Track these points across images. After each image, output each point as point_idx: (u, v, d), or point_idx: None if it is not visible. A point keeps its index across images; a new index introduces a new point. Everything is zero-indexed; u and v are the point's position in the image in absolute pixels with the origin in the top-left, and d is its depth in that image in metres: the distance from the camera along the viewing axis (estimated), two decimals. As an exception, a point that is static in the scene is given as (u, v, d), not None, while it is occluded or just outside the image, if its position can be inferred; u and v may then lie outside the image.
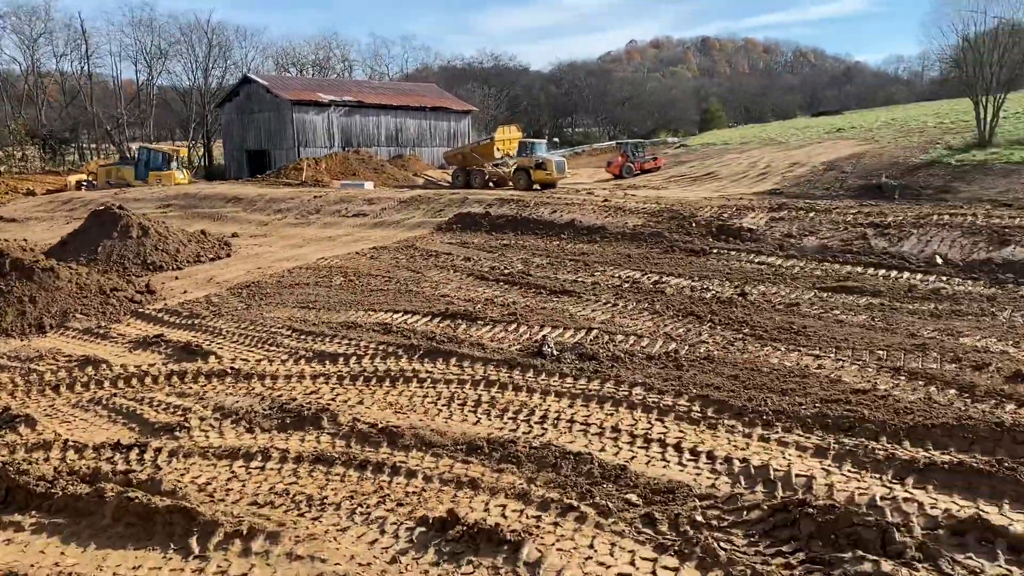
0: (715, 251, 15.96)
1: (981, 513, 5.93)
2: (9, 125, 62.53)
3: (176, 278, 16.27)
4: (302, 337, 11.67)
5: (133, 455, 7.82)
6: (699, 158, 42.21)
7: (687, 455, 7.44)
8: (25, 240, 18.26)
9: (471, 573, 5.45)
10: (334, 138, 62.34)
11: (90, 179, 44.26)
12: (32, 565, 5.76)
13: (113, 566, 5.73)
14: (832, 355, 9.87)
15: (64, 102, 70.63)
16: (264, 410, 8.92)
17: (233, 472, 7.40)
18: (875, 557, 5.28)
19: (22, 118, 64.57)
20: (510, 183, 35.56)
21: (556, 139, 55.58)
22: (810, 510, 5.82)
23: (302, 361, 10.64)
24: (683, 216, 18.33)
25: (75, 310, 13.34)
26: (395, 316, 12.45)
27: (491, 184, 36.87)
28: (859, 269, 14.03)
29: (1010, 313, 11.13)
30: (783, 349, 10.22)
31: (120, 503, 6.32)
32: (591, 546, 5.74)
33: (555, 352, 10.28)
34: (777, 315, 11.70)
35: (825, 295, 12.68)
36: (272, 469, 7.46)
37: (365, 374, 10.02)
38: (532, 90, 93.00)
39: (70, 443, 8.14)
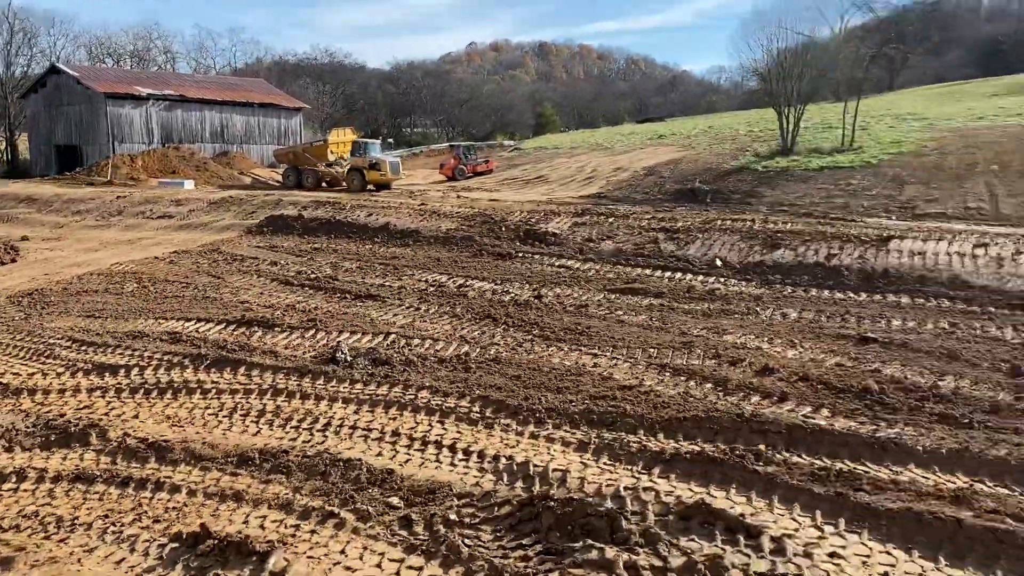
0: (520, 255, 16.51)
1: (706, 498, 6.53)
2: None
3: (-53, 289, 14.99)
4: (82, 348, 11.09)
5: None
6: (532, 162, 43.28)
7: (459, 455, 7.71)
8: None
9: (216, 586, 5.44)
10: (153, 133, 59.02)
11: None
12: None
13: None
14: (608, 354, 10.49)
15: None
16: (27, 427, 8.45)
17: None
18: (602, 545, 5.72)
19: None
20: (344, 183, 35.15)
21: (391, 140, 55.40)
22: (551, 503, 6.21)
23: (79, 374, 10.13)
24: (494, 220, 18.81)
25: None
26: (187, 324, 12.06)
27: (324, 184, 36.30)
28: (647, 272, 14.94)
29: (771, 312, 12.22)
30: (566, 349, 10.76)
31: None
32: (343, 551, 5.87)
33: (348, 358, 10.33)
34: (567, 316, 12.28)
35: (613, 296, 13.43)
36: (26, 490, 7.11)
37: (146, 386, 9.68)
38: (369, 89, 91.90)
39: None
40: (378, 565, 5.69)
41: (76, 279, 15.00)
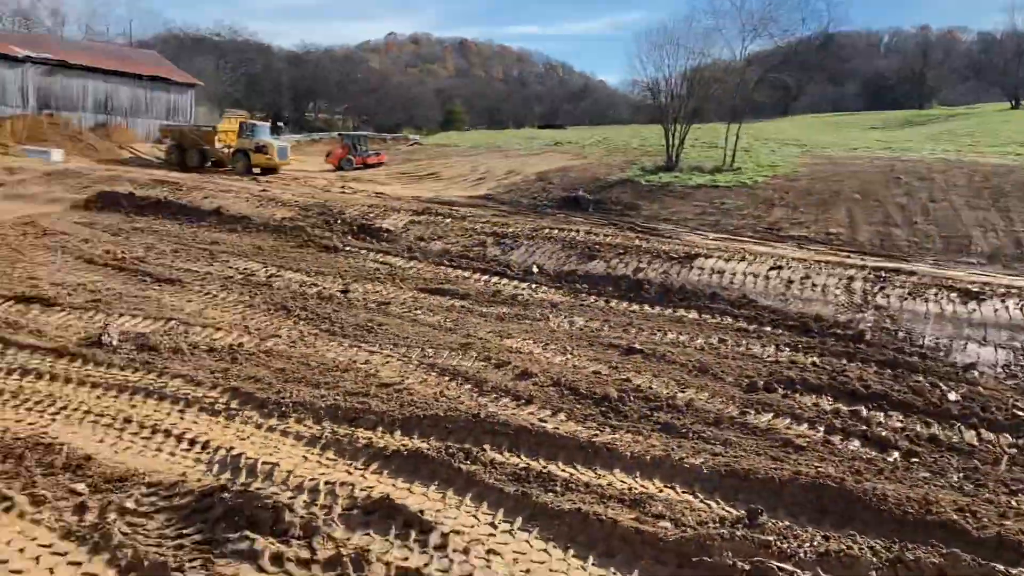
0: (348, 249, 16.48)
1: (392, 494, 6.72)
2: None
3: None
4: None
5: None
6: (428, 157, 43.13)
7: (183, 445, 7.68)
8: None
9: None
10: (28, 98, 56.18)
11: None
12: None
13: None
14: (386, 352, 10.60)
15: None
16: None
17: None
18: (256, 536, 5.81)
19: None
20: (229, 165, 34.32)
21: (282, 123, 54.18)
22: (225, 495, 6.27)
23: None
24: (331, 212, 18.71)
25: None
26: (-46, 300, 11.59)
27: (209, 164, 35.31)
28: (465, 274, 15.12)
29: (561, 319, 12.57)
30: (346, 345, 10.83)
31: None
32: (-4, 537, 5.77)
33: (115, 342, 10.13)
34: (364, 313, 12.35)
35: (420, 296, 13.56)
36: None
37: None
38: (273, 70, 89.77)
39: None
40: (21, 549, 5.62)
41: None
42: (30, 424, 7.85)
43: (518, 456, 7.74)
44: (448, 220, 18.49)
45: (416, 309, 12.79)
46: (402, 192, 25.66)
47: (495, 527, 6.50)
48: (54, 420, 8.04)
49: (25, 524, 5.96)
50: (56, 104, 53.50)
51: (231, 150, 35.21)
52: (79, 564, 5.53)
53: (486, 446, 7.84)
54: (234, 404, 8.66)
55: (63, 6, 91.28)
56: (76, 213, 18.47)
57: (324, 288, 13.65)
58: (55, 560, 5.55)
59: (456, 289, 13.98)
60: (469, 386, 9.57)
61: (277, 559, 5.66)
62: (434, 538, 6.16)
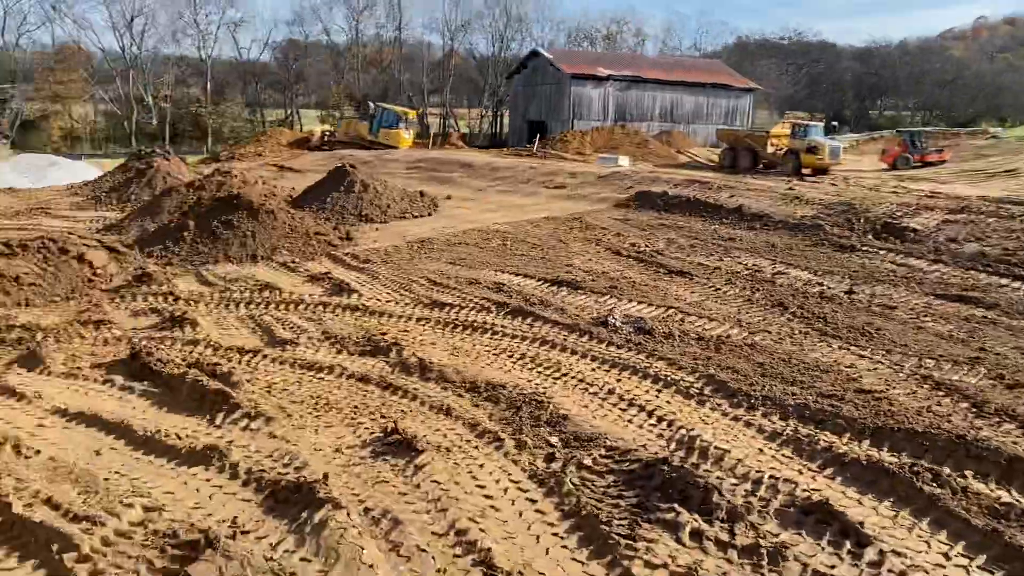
0: (864, 248, 15.40)
1: (831, 499, 6.32)
2: (332, 88, 72.88)
3: (376, 229, 19.21)
4: (431, 287, 13.67)
5: (247, 357, 10.29)
6: (1007, 153, 38.06)
7: (651, 420, 8.29)
8: (279, 188, 22.40)
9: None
10: (608, 111, 64.29)
11: (332, 130, 51.75)
12: (128, 415, 8.31)
13: (169, 424, 8.07)
14: (876, 358, 9.82)
15: (378, 69, 79.59)
16: (357, 338, 10.99)
17: (299, 378, 9.54)
18: (683, 510, 6.05)
19: (343, 82, 74.61)
20: (779, 167, 34.87)
21: (836, 123, 52.59)
22: (664, 468, 6.62)
23: (419, 306, 12.64)
24: (856, 211, 17.63)
25: (282, 247, 16.57)
26: (513, 278, 14.04)
27: (761, 166, 36.26)
28: (1003, 281, 12.96)
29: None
30: (835, 347, 10.31)
31: (191, 384, 8.73)
32: (482, 465, 7.03)
33: (618, 323, 11.27)
34: (864, 316, 11.54)
35: (936, 302, 12.08)
36: (328, 380, 9.48)
37: (455, 322, 11.76)
38: (836, 69, 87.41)
39: (212, 342, 10.84)
40: (497, 480, 6.75)
41: (461, 233, 18.09)
42: (534, 384, 9.25)
43: (1006, 490, 6.59)
44: (992, 220, 16.07)
45: (925, 316, 11.52)
46: (966, 191, 22.77)
47: (947, 559, 5.72)
48: (554, 383, 9.34)
49: (506, 462, 7.13)
50: (629, 115, 60.33)
51: (783, 151, 35.38)
52: (534, 502, 6.44)
53: (967, 472, 6.84)
54: (707, 390, 8.98)
55: (645, 27, 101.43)
56: (616, 211, 20.81)
57: (828, 287, 13.13)
58: (517, 494, 6.56)
59: (983, 297, 12.17)
60: (966, 405, 8.37)
61: (696, 535, 5.84)
62: (870, 553, 5.69)
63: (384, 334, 11.14)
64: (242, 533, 5.60)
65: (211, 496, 6.33)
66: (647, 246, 16.42)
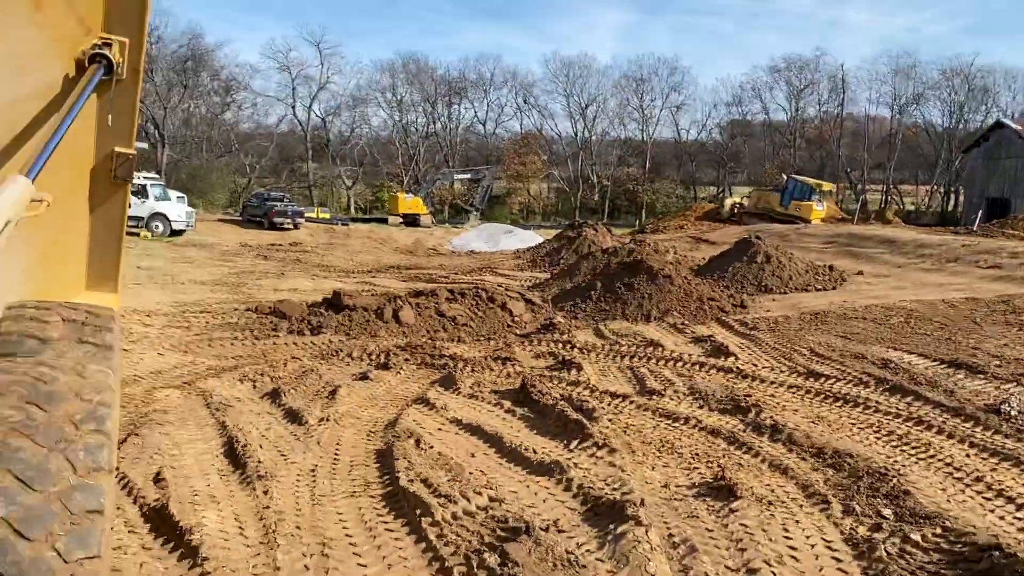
0: None
1: None
2: (764, 166, 73.06)
3: (773, 300, 19.21)
4: (812, 357, 13.49)
5: (616, 400, 11.35)
6: None
7: (1016, 512, 7.44)
8: (687, 257, 23.57)
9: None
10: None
11: (742, 202, 50.79)
12: (503, 431, 9.84)
13: (532, 442, 9.38)
14: None
15: (817, 145, 77.79)
16: (720, 397, 11.41)
17: (655, 424, 10.30)
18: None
19: (778, 158, 74.41)
20: None
21: None
22: (995, 553, 5.99)
23: (793, 375, 12.62)
24: None
25: (675, 309, 17.56)
26: (905, 356, 13.14)
27: None
28: None
29: None
30: None
31: (558, 413, 10.01)
32: (797, 521, 7.03)
33: (1014, 412, 10.08)
34: None
35: None
36: (680, 428, 10.09)
37: (825, 392, 11.54)
38: None
39: (590, 385, 12.12)
40: (807, 536, 6.72)
41: (862, 308, 17.26)
42: (890, 459, 8.78)
43: None
44: None
45: None
46: None
47: None
48: (914, 463, 8.76)
49: (825, 522, 7.02)
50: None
51: None
52: (839, 561, 6.31)
53: None
54: (1103, 494, 7.71)
55: None
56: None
57: None
58: (823, 551, 6.45)
59: None
60: None
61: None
62: None
63: (748, 396, 11.38)
64: (557, 531, 6.49)
65: (544, 500, 7.35)
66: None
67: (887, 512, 7.23)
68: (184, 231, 40.67)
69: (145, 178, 41.05)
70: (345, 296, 17.23)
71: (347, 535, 6.43)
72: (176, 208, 41.19)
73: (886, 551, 6.33)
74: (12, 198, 3.43)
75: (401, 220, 59.13)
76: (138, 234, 37.02)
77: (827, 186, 53.16)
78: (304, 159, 75.39)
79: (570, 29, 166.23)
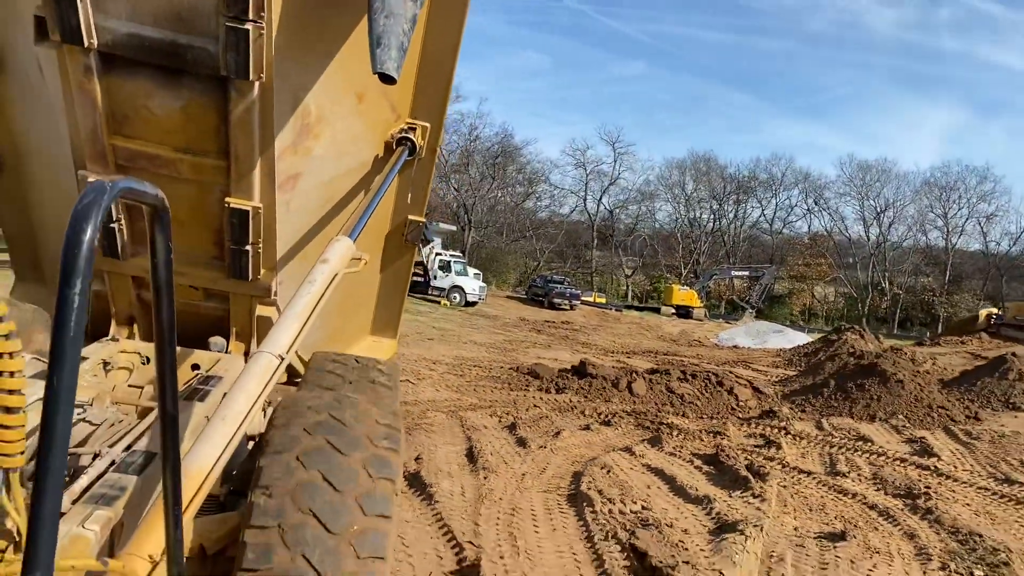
0: None
1: None
2: None
3: (1015, 417, 18.84)
4: (1019, 467, 13.85)
5: (800, 475, 12.88)
6: None
7: None
8: (940, 367, 23.53)
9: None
10: None
11: (1000, 313, 46.19)
12: (683, 478, 11.91)
13: (704, 490, 11.36)
14: None
15: None
16: (899, 484, 12.47)
17: (822, 493, 11.75)
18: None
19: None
20: None
21: None
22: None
23: (990, 479, 13.19)
24: None
25: (901, 412, 18.16)
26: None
27: None
28: None
29: None
30: None
31: (735, 470, 11.87)
32: (891, 565, 8.43)
33: None
34: None
35: None
36: (837, 498, 11.47)
37: (1009, 495, 12.15)
38: None
39: (783, 461, 13.66)
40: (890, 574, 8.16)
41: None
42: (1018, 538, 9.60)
43: None
44: None
45: None
46: None
47: None
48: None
49: (917, 570, 8.38)
50: None
51: None
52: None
53: None
54: None
55: None
56: None
57: None
58: (902, 589, 7.91)
59: None
60: None
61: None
62: None
63: (928, 488, 12.32)
64: (683, 532, 8.60)
65: (686, 518, 9.43)
66: None
67: (978, 573, 8.40)
68: (476, 303, 46.42)
69: (451, 256, 47.71)
70: (589, 365, 20.07)
71: (531, 509, 9.06)
72: (472, 283, 47.26)
73: (953, 594, 7.66)
74: (340, 255, 4.02)
75: (674, 311, 61.35)
76: (439, 302, 43.10)
77: None
78: (589, 247, 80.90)
79: (887, 130, 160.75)
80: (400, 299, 6.64)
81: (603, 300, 63.13)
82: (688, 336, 47.52)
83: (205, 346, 5.20)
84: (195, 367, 4.90)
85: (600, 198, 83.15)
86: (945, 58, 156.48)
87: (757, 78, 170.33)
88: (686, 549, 7.90)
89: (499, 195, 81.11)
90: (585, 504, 9.26)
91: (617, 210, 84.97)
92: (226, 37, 3.47)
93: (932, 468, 13.63)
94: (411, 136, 4.93)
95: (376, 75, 3.62)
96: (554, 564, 7.45)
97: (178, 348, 4.44)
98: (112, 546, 2.85)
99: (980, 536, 9.59)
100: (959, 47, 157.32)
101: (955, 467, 13.88)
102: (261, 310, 5.06)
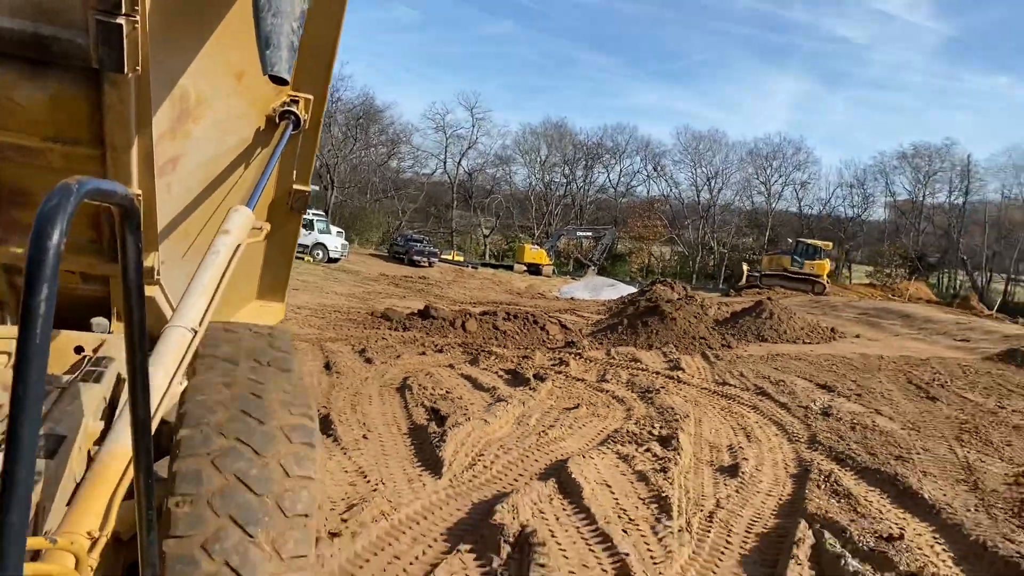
0: None
1: None
2: (885, 245, 75.81)
3: (760, 345, 24.55)
4: (737, 376, 19.06)
5: (583, 385, 17.54)
6: None
7: (742, 442, 13.13)
8: (717, 308, 29.08)
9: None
10: None
11: (756, 270, 56.70)
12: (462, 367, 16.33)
13: (497, 385, 15.79)
14: None
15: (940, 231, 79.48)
16: (643, 386, 17.34)
17: (582, 390, 16.44)
18: None
19: (898, 240, 76.79)
20: None
21: None
22: None
23: (711, 383, 18.30)
24: None
25: (672, 342, 23.38)
26: (799, 380, 18.51)
27: None
28: None
29: None
30: None
31: (523, 377, 16.40)
32: (602, 417, 13.07)
33: (834, 413, 15.50)
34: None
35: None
36: (591, 392, 16.19)
37: (716, 391, 17.23)
38: None
39: (569, 374, 18.30)
40: (589, 426, 12.79)
41: (816, 355, 22.46)
42: (700, 413, 14.52)
43: None
44: None
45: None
46: None
47: None
48: (723, 420, 14.47)
49: (614, 423, 13.04)
50: None
51: None
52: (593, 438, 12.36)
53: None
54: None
55: None
56: (982, 363, 22.36)
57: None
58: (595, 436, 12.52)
59: None
60: None
61: None
62: None
63: (662, 388, 17.22)
64: (466, 400, 12.96)
65: (471, 395, 13.81)
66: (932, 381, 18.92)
67: (658, 425, 13.16)
68: (339, 259, 49.69)
69: (313, 214, 50.58)
70: (432, 308, 24.25)
71: (368, 394, 13.15)
72: (335, 240, 50.43)
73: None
74: (240, 225, 4.12)
75: (525, 268, 66.54)
76: (303, 258, 46.13)
77: (826, 245, 58.63)
78: (450, 207, 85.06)
79: (740, 96, 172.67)
80: (287, 264, 6.83)
81: (461, 258, 67.54)
82: (534, 290, 52.69)
83: (86, 327, 5.19)
84: (79, 349, 4.90)
85: (459, 161, 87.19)
86: (793, 28, 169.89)
87: (623, 42, 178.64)
88: (467, 410, 12.23)
89: (362, 155, 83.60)
90: (407, 391, 13.46)
91: (476, 173, 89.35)
92: (97, 31, 3.20)
93: (675, 377, 18.63)
94: (294, 109, 4.96)
95: (267, 76, 3.64)
96: (378, 418, 11.61)
97: (59, 331, 4.82)
98: (35, 528, 2.84)
99: (673, 409, 14.44)
100: (807, 19, 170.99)
101: (692, 376, 18.96)
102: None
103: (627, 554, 7.17)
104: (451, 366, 17.63)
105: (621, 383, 17.36)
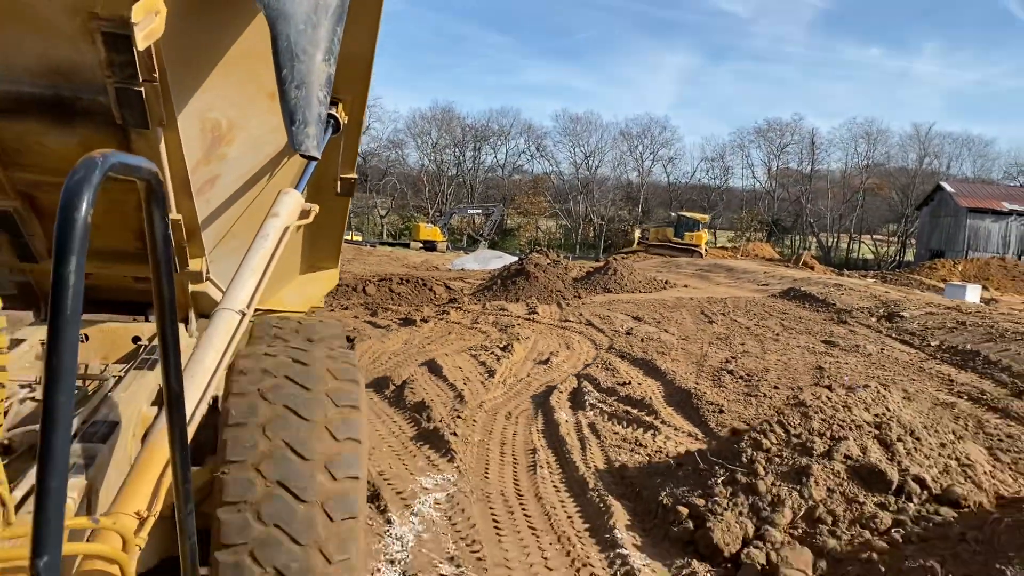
0: (854, 322, 22.40)
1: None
2: (744, 213, 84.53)
3: (604, 295, 30.70)
4: (576, 315, 25.00)
5: (464, 324, 23.13)
6: None
7: (563, 351, 19.00)
8: (575, 269, 35.20)
9: (438, 341, 19.23)
10: (1009, 245, 65.60)
11: (646, 235, 64.55)
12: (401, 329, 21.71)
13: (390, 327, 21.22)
14: (707, 349, 18.84)
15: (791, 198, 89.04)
16: (501, 324, 23.08)
17: (459, 330, 22.07)
18: None
19: (756, 208, 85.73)
20: None
21: None
22: None
23: (554, 320, 24.18)
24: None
25: (534, 296, 29.23)
26: (619, 315, 24.63)
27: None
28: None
29: None
30: (702, 346, 19.40)
31: (412, 321, 21.94)
32: (465, 338, 18.69)
33: (639, 335, 21.57)
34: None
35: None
36: (464, 329, 21.81)
37: (556, 325, 23.13)
38: None
39: (449, 320, 23.86)
40: (463, 343, 18.42)
41: (645, 301, 28.74)
42: (535, 337, 20.32)
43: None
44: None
45: None
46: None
47: None
48: (544, 340, 20.29)
49: (466, 343, 18.68)
50: (1023, 248, 60.94)
51: None
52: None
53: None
54: (606, 349, 19.21)
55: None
56: (772, 300, 29.16)
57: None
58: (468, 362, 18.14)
59: None
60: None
61: None
62: None
63: (514, 326, 22.93)
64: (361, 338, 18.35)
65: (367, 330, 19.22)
66: (720, 312, 25.44)
67: (504, 341, 18.85)
68: (244, 244, 53.61)
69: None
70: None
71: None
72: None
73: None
74: (289, 208, 4.21)
75: (421, 245, 71.65)
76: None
77: (704, 219, 67.12)
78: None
79: (629, 73, 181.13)
80: (339, 235, 7.11)
81: (359, 238, 72.05)
82: (428, 264, 57.91)
83: (144, 318, 5.42)
84: (136, 339, 5.07)
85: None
86: (680, 3, 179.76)
87: (514, 20, 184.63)
88: (369, 336, 17.62)
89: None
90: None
91: (370, 156, 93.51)
92: (117, 97, 3.20)
93: (531, 319, 24.39)
94: (333, 112, 4.93)
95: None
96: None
97: (118, 323, 5.25)
98: (88, 510, 2.94)
99: (519, 335, 20.14)
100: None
101: (543, 317, 24.77)
102: (194, 287, 5.19)
103: (463, 390, 12.85)
104: (355, 317, 22.90)
105: (488, 324, 22.98)
